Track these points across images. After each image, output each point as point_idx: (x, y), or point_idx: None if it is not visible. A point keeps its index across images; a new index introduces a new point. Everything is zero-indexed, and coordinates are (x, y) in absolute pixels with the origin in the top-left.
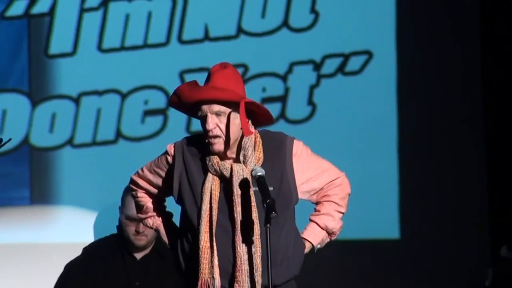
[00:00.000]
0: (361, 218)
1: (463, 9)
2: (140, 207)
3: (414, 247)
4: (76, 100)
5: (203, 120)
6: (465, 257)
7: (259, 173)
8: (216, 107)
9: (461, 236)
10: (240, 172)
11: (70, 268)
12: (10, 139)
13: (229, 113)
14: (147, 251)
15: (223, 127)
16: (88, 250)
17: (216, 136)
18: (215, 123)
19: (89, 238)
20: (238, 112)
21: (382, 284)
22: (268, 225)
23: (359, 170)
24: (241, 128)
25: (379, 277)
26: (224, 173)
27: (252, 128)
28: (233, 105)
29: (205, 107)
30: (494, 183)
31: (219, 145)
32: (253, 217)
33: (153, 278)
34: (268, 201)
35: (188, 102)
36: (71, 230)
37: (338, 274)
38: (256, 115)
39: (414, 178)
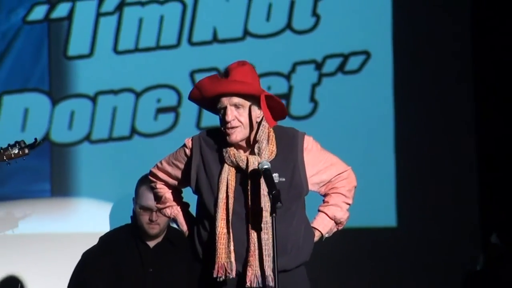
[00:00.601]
0: (360, 207)
1: (456, 11)
2: (158, 198)
3: (410, 235)
4: (93, 99)
5: (222, 112)
6: (458, 243)
7: (265, 166)
8: (236, 100)
9: (455, 224)
10: (255, 163)
11: (87, 256)
12: (45, 139)
13: (248, 106)
14: (159, 239)
15: (242, 119)
16: (104, 239)
17: (234, 127)
18: (234, 115)
19: (105, 228)
20: (256, 105)
21: (381, 270)
22: (274, 214)
23: (358, 162)
24: (257, 122)
25: (377, 263)
26: (240, 164)
27: (265, 122)
28: (252, 99)
29: (225, 100)
30: (485, 175)
31: (235, 134)
32: (266, 206)
33: (166, 265)
34: (274, 192)
35: (209, 95)
36: (88, 220)
37: (338, 261)
38: (271, 109)
39: (410, 169)
